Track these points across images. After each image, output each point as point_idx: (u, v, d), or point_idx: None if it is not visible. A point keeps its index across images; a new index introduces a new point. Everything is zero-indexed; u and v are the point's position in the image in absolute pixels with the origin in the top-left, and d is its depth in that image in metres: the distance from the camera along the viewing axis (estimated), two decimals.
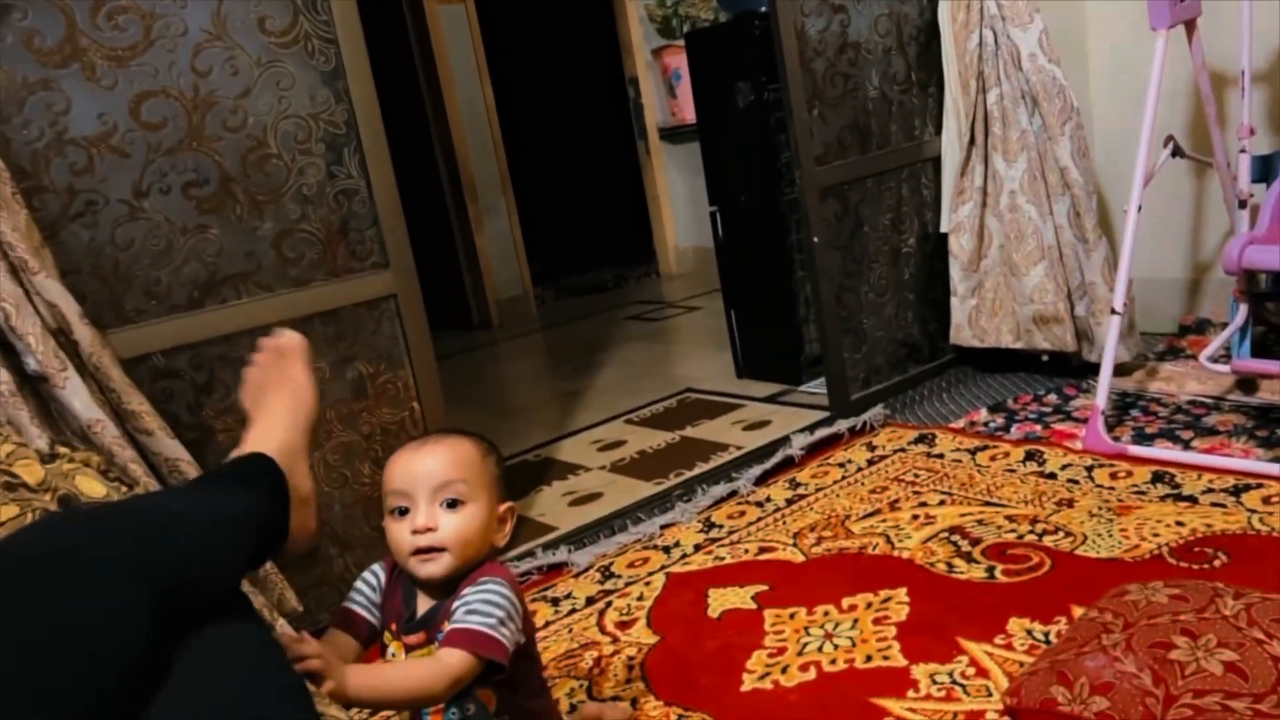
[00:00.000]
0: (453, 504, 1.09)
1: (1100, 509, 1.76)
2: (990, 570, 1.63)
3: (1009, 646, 1.40)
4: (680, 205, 5.23)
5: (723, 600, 1.70)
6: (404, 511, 1.09)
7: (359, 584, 1.16)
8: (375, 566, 1.17)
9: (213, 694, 0.73)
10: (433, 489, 1.08)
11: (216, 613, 0.80)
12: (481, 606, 1.05)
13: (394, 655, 1.12)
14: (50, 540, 0.73)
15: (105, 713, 0.65)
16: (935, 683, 1.35)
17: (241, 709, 0.72)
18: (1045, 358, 2.58)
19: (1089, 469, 1.94)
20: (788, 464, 2.27)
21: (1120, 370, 2.42)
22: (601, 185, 6.21)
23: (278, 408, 1.12)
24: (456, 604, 1.07)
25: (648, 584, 1.82)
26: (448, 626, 1.06)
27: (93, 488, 1.18)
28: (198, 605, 0.78)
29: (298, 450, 1.11)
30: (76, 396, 1.44)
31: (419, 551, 1.08)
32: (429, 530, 1.07)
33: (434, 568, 1.08)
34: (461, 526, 1.09)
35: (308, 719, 0.78)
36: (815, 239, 2.47)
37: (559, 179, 6.03)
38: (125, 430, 1.50)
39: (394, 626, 1.12)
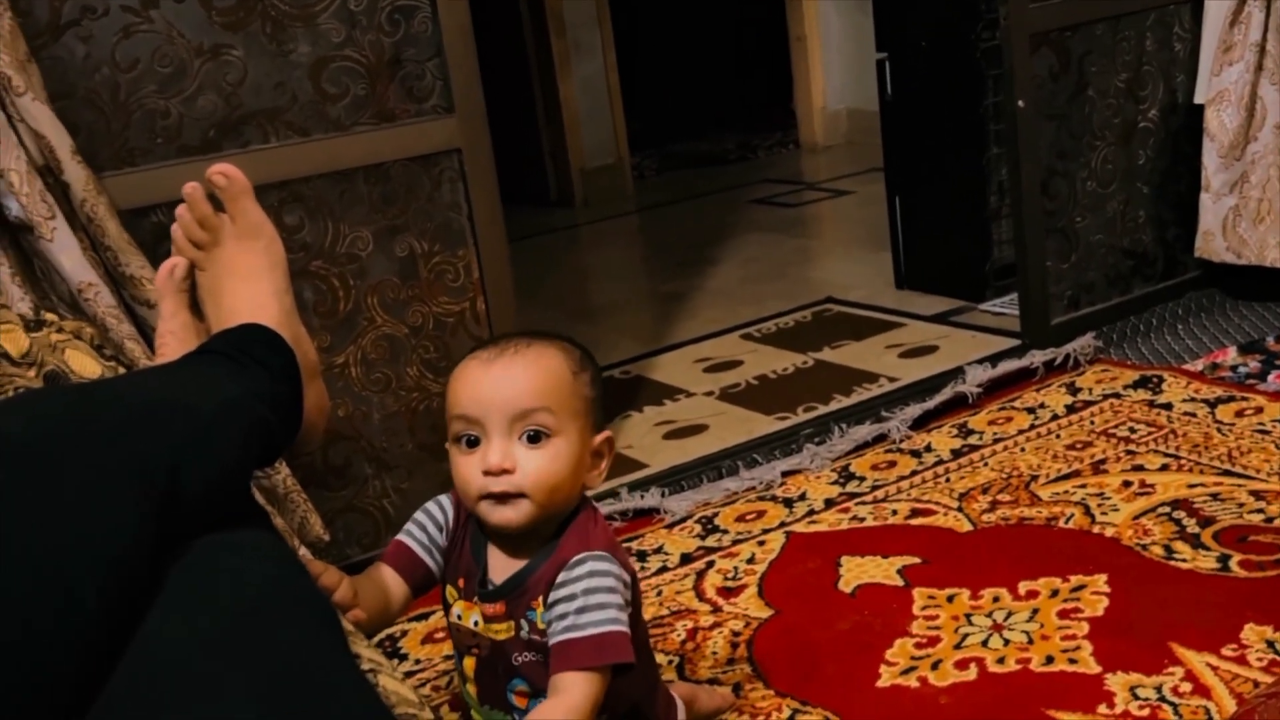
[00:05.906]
0: (535, 437, 1.11)
1: None
2: (1223, 560, 1.61)
3: (1241, 660, 1.40)
4: (834, 51, 5.13)
5: (859, 572, 1.73)
6: (473, 442, 1.12)
7: (421, 517, 1.21)
8: (443, 499, 1.22)
9: (221, 611, 0.78)
10: (509, 419, 1.10)
11: (223, 520, 0.85)
12: (592, 599, 1.09)
13: (460, 617, 1.18)
14: (21, 425, 0.79)
15: (81, 624, 0.71)
16: (1137, 698, 1.36)
17: (256, 631, 0.77)
18: None
19: None
20: (959, 404, 2.27)
21: None
22: (729, 20, 6.12)
23: (257, 265, 1.14)
24: (556, 597, 1.11)
25: (762, 544, 1.86)
26: (548, 626, 1.10)
27: (86, 365, 1.25)
28: (199, 510, 0.84)
29: (294, 314, 1.15)
30: (65, 253, 1.53)
31: (492, 495, 1.12)
32: (504, 472, 1.10)
33: (511, 514, 1.11)
34: (546, 468, 1.11)
35: (341, 653, 0.83)
36: (1020, 103, 2.42)
37: (673, 11, 5.95)
38: (122, 299, 1.59)
39: (462, 583, 1.18)
